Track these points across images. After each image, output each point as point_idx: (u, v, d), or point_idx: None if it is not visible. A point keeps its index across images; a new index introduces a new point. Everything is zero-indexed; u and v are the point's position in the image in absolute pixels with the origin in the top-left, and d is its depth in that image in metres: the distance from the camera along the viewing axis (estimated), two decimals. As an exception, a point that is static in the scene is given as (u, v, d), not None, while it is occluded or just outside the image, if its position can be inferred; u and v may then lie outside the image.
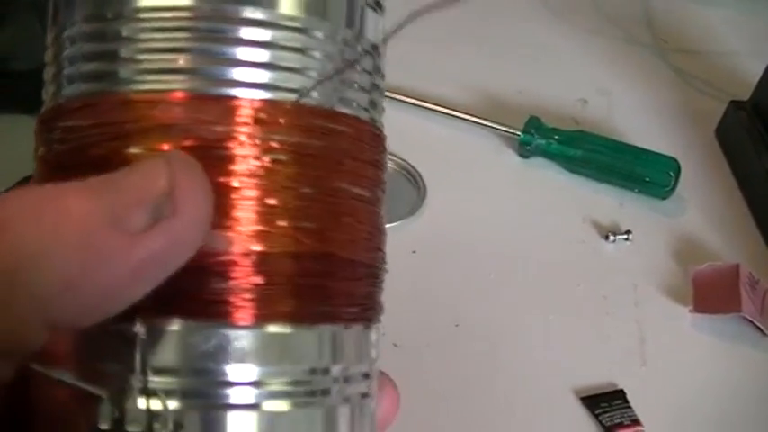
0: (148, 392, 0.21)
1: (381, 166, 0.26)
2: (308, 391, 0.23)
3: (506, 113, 0.77)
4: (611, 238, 0.70)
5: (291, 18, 0.23)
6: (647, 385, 0.60)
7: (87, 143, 0.22)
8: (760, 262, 0.69)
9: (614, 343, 0.63)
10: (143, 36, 0.22)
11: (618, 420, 0.57)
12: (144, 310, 0.21)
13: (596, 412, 0.57)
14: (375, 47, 0.25)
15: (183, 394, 0.21)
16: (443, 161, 0.73)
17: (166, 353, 0.21)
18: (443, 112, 0.76)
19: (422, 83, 0.78)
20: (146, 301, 0.20)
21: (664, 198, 0.73)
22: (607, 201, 0.73)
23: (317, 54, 0.23)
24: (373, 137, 0.26)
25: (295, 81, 0.23)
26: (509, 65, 0.85)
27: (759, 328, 0.63)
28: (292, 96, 0.23)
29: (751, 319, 0.62)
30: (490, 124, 0.76)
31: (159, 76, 0.22)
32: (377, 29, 0.26)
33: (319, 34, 0.23)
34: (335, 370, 0.24)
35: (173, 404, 0.21)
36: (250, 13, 0.22)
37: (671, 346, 0.63)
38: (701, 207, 0.74)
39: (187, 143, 0.21)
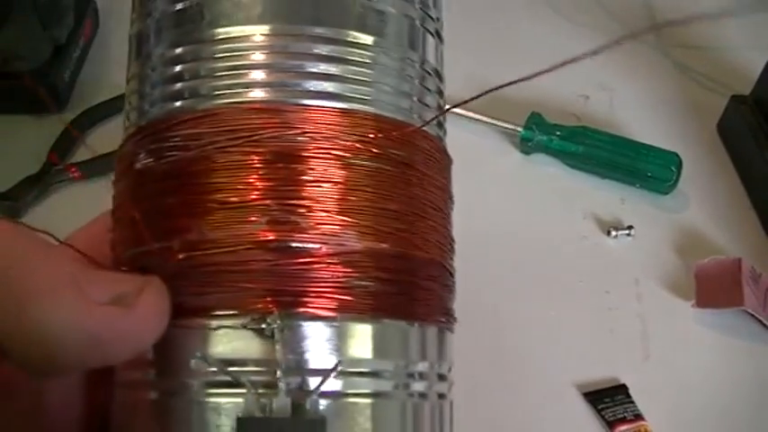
0: (291, 387, 0.22)
1: (449, 181, 0.29)
2: (405, 384, 0.25)
3: (507, 110, 0.77)
4: (613, 233, 0.70)
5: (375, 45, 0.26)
6: (650, 380, 0.60)
7: (213, 150, 0.24)
8: (762, 256, 0.69)
9: (617, 338, 0.63)
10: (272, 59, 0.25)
11: (620, 415, 0.57)
12: (276, 306, 0.23)
13: (599, 407, 0.57)
14: (437, 71, 0.29)
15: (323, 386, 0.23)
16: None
17: (300, 347, 0.23)
18: (444, 109, 0.76)
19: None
20: (272, 296, 0.23)
21: (665, 193, 0.73)
22: (609, 196, 0.73)
23: (405, 77, 0.27)
24: (443, 155, 0.28)
25: (382, 100, 0.26)
26: (510, 61, 0.84)
27: (761, 322, 0.63)
28: (380, 111, 0.25)
29: (753, 313, 0.62)
30: (491, 121, 0.76)
31: (301, 94, 0.24)
32: (437, 54, 0.29)
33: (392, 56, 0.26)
34: (422, 366, 0.26)
35: (314, 398, 0.23)
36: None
37: (673, 341, 0.63)
38: (702, 202, 0.74)
39: (308, 151, 0.24)
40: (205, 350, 0.23)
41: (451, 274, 0.28)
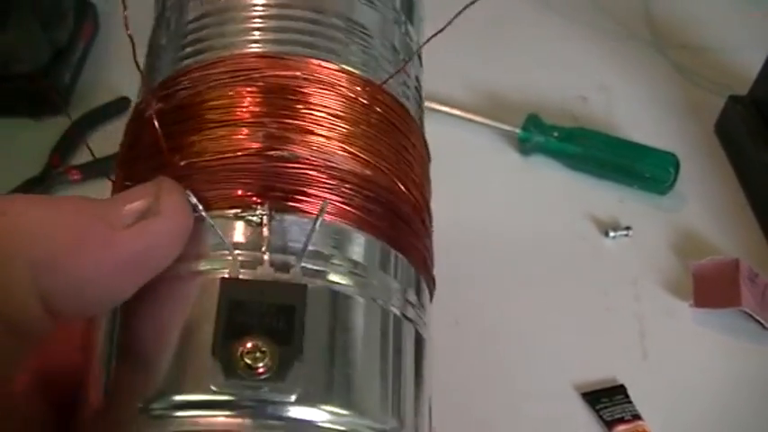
0: (275, 262, 0.24)
1: (429, 172, 0.32)
2: (388, 297, 0.26)
3: (505, 111, 0.77)
4: (611, 233, 0.70)
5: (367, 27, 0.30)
6: (648, 380, 0.60)
7: (218, 85, 0.27)
8: (760, 256, 0.69)
9: (615, 338, 0.63)
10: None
11: (619, 415, 0.57)
12: (266, 199, 0.25)
13: (597, 407, 0.57)
14: (417, 78, 0.33)
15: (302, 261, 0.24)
16: (442, 159, 0.72)
17: (287, 234, 0.25)
18: (442, 111, 0.76)
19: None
20: (265, 192, 0.25)
21: (663, 193, 0.73)
22: (607, 197, 0.74)
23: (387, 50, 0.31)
24: (427, 150, 0.32)
25: (381, 71, 0.29)
26: (508, 62, 0.85)
27: (759, 322, 0.63)
28: (379, 80, 0.29)
29: (751, 313, 0.62)
30: (489, 122, 0.77)
31: (293, 47, 0.28)
32: (418, 72, 0.33)
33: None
34: (410, 295, 0.27)
35: (296, 269, 0.24)
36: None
37: (671, 341, 0.63)
38: (700, 202, 0.74)
39: (308, 88, 0.27)
40: (202, 236, 0.25)
41: (428, 233, 0.31)
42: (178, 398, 0.22)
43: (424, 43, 0.33)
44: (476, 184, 0.74)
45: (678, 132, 0.80)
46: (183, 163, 0.26)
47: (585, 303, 0.65)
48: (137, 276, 0.23)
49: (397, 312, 0.26)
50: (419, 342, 0.27)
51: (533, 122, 0.75)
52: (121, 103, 0.73)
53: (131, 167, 0.28)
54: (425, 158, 0.32)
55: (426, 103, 0.84)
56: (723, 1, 0.96)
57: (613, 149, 0.74)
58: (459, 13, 0.30)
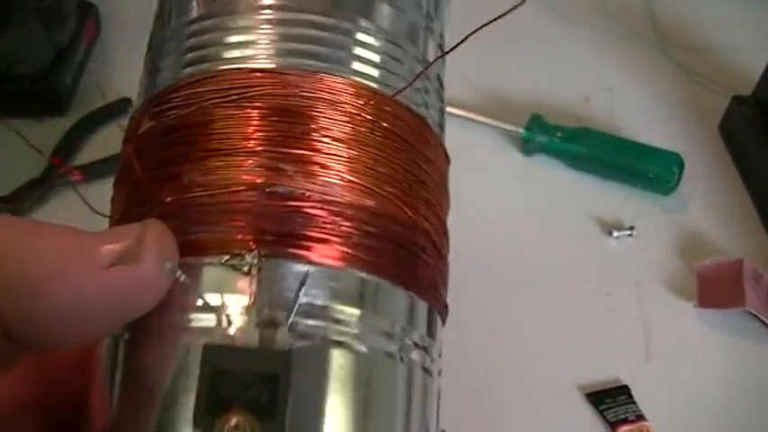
0: (261, 320, 0.23)
1: (448, 181, 0.30)
2: (389, 344, 0.25)
3: (509, 111, 0.77)
4: (615, 234, 0.70)
5: (385, 31, 0.28)
6: (652, 381, 0.60)
7: (210, 105, 0.25)
8: (764, 256, 0.69)
9: (618, 339, 0.63)
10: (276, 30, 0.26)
11: (622, 416, 0.57)
12: (256, 244, 0.23)
13: (601, 408, 0.57)
14: (438, 77, 0.30)
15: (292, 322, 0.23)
16: (446, 159, 0.73)
17: (276, 285, 0.23)
18: (445, 111, 0.76)
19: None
20: (254, 236, 0.23)
21: (667, 194, 0.73)
22: (610, 197, 0.73)
23: (400, 61, 0.28)
24: (444, 154, 0.30)
25: (391, 80, 0.27)
26: (511, 62, 0.84)
27: (763, 323, 0.63)
28: (391, 90, 0.27)
29: (755, 313, 0.62)
30: (492, 122, 0.76)
31: (295, 59, 0.26)
32: (439, 61, 0.30)
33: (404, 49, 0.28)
34: (414, 335, 0.26)
35: (283, 331, 0.23)
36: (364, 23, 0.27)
37: (675, 342, 0.63)
38: (704, 202, 0.74)
39: (306, 109, 0.25)
40: (187, 284, 0.23)
41: (444, 259, 0.28)
42: None
43: (444, 54, 0.30)
44: (479, 184, 0.73)
45: (682, 133, 0.80)
46: (169, 199, 0.24)
47: (589, 304, 0.65)
48: (110, 318, 0.22)
49: (400, 358, 0.25)
50: (424, 383, 0.26)
51: (537, 123, 0.75)
52: (123, 103, 0.73)
53: (119, 195, 0.27)
54: (443, 169, 0.29)
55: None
56: (726, 2, 0.96)
57: (617, 150, 0.74)
58: (487, 24, 0.29)
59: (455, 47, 0.29)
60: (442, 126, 0.30)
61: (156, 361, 0.23)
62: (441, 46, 0.30)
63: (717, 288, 0.65)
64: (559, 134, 0.74)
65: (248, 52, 0.26)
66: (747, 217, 0.73)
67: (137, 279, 0.22)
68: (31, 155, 0.69)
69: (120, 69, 0.76)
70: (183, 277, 0.23)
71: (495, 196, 0.73)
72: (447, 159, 0.30)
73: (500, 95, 0.81)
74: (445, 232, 0.29)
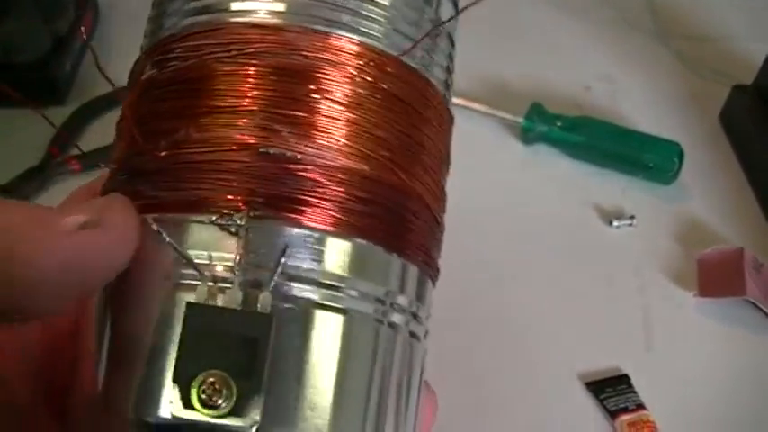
0: (246, 281, 0.23)
1: (449, 142, 0.29)
2: (375, 308, 0.25)
3: (508, 100, 0.77)
4: (615, 223, 0.70)
5: None
6: (652, 370, 0.60)
7: (210, 59, 0.25)
8: (764, 245, 0.69)
9: (619, 328, 0.63)
10: None
11: (622, 405, 0.57)
12: (244, 205, 0.23)
13: (601, 397, 0.57)
14: (449, 35, 0.29)
15: (276, 285, 0.23)
16: (446, 149, 0.73)
17: (264, 246, 0.23)
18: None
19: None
20: (245, 196, 0.23)
21: (667, 183, 0.73)
22: (610, 186, 0.73)
23: (406, 17, 0.27)
24: (447, 113, 0.29)
25: (393, 39, 0.26)
26: (511, 51, 0.84)
27: (764, 312, 0.63)
28: (396, 52, 0.26)
29: (755, 302, 0.62)
30: (492, 111, 0.76)
31: (289, 14, 0.25)
32: (451, 19, 0.29)
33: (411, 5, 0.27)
34: (401, 299, 0.26)
35: (265, 294, 0.23)
36: None
37: (675, 331, 0.63)
38: (704, 192, 0.74)
39: (304, 68, 0.25)
40: (175, 242, 0.24)
41: (438, 222, 0.28)
42: (138, 418, 0.23)
43: (451, 18, 0.29)
44: (479, 173, 0.73)
45: (682, 122, 0.80)
46: (163, 153, 0.24)
47: (589, 293, 0.65)
48: (80, 281, 0.23)
49: (385, 323, 0.25)
50: (408, 348, 0.26)
51: (537, 112, 0.75)
52: (122, 92, 0.72)
53: (120, 141, 0.27)
54: (444, 130, 0.29)
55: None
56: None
57: (617, 139, 0.74)
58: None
59: (468, 6, 0.30)
60: (448, 84, 0.29)
61: (140, 316, 0.24)
62: (455, 4, 0.30)
63: (717, 277, 0.65)
64: (559, 123, 0.74)
65: (251, 6, 0.26)
66: (747, 206, 0.73)
67: (97, 243, 0.23)
68: (30, 144, 0.69)
69: (120, 58, 0.76)
70: (164, 235, 0.23)
71: (495, 186, 0.73)
72: (450, 119, 0.30)
73: (500, 84, 0.81)
74: (442, 196, 0.29)
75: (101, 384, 0.24)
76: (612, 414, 0.56)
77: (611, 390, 0.58)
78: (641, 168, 0.73)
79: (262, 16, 0.25)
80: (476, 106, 0.76)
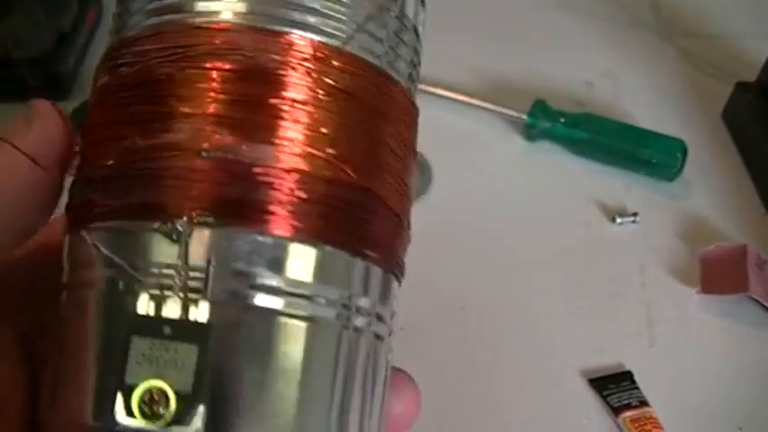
0: (186, 288, 0.23)
1: (414, 135, 0.28)
2: (336, 313, 0.24)
3: (511, 97, 0.77)
4: (618, 220, 0.70)
5: None
6: (655, 366, 0.60)
7: (154, 64, 0.25)
8: (767, 242, 0.69)
9: (622, 325, 0.63)
10: None
11: (626, 402, 0.57)
12: (187, 212, 0.23)
13: (604, 394, 0.57)
14: (415, 28, 0.28)
15: (216, 292, 0.23)
16: (449, 145, 0.73)
17: (205, 252, 0.23)
18: (448, 97, 0.76)
19: (426, 67, 0.77)
20: (189, 203, 0.23)
21: (670, 180, 0.73)
22: (613, 183, 0.73)
23: (360, 10, 0.26)
24: (411, 106, 0.28)
25: (343, 31, 0.25)
26: (514, 48, 0.84)
27: (766, 309, 0.63)
28: (339, 42, 0.25)
29: (758, 299, 0.62)
30: (495, 108, 0.76)
31: (229, 12, 0.25)
32: (417, 13, 0.29)
33: None
34: (363, 302, 0.25)
35: (204, 303, 0.23)
36: None
37: (678, 328, 0.63)
38: (707, 188, 0.74)
39: (247, 67, 0.24)
40: (118, 249, 0.24)
41: (400, 219, 0.27)
42: (88, 424, 0.23)
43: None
44: (482, 170, 0.73)
45: (685, 119, 0.80)
46: (110, 162, 0.24)
47: (592, 290, 0.65)
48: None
49: (338, 326, 0.24)
50: (372, 350, 0.26)
51: (540, 108, 0.75)
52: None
53: (81, 147, 0.27)
54: (407, 124, 0.28)
55: (432, 89, 0.84)
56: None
57: (620, 135, 0.74)
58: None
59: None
60: (413, 78, 0.29)
61: (84, 327, 0.24)
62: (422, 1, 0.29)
63: (720, 274, 0.65)
64: (562, 120, 0.74)
65: (200, 7, 0.25)
66: (750, 203, 0.73)
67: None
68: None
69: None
70: (100, 247, 0.24)
71: (497, 182, 0.73)
72: (416, 112, 0.29)
73: (503, 81, 0.81)
74: (405, 191, 0.28)
75: (55, 389, 0.25)
76: (616, 410, 0.56)
77: (614, 386, 0.58)
78: (644, 165, 0.73)
79: (205, 18, 0.25)
80: (479, 103, 0.76)
